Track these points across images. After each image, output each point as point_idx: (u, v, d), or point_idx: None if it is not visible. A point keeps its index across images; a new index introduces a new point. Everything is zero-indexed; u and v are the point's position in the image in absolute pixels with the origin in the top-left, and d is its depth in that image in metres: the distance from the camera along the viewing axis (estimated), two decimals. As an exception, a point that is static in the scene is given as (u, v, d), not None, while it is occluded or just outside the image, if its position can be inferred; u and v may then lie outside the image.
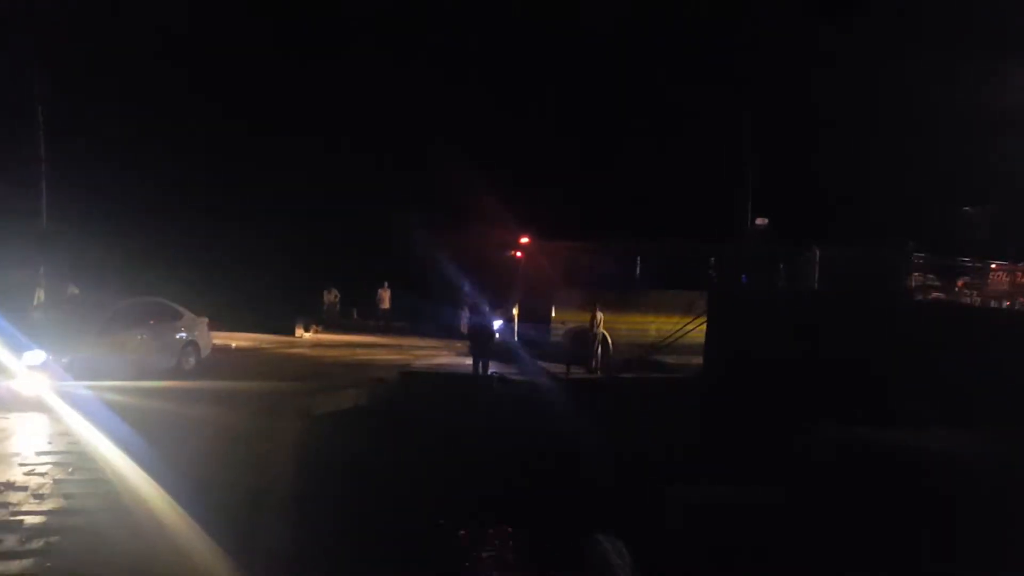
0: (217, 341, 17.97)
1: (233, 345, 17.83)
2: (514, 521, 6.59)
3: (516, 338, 17.78)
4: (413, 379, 14.35)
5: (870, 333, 11.06)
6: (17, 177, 19.69)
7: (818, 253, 13.98)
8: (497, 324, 18.68)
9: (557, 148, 27.32)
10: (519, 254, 18.26)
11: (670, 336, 16.66)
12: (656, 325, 16.89)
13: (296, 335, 20.45)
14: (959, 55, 17.98)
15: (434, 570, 5.82)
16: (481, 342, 15.06)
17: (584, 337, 17.01)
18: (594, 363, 15.97)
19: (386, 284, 23.97)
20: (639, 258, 17.88)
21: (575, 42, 28.45)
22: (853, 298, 12.40)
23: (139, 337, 12.44)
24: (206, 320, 14.24)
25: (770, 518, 6.57)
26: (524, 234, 18.28)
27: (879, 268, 13.56)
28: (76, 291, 20.52)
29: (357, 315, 25.29)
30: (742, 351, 12.59)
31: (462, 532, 6.39)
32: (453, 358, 17.19)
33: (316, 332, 21.22)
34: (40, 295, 19.33)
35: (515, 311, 17.93)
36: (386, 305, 24.01)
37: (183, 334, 13.52)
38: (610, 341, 16.56)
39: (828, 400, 9.75)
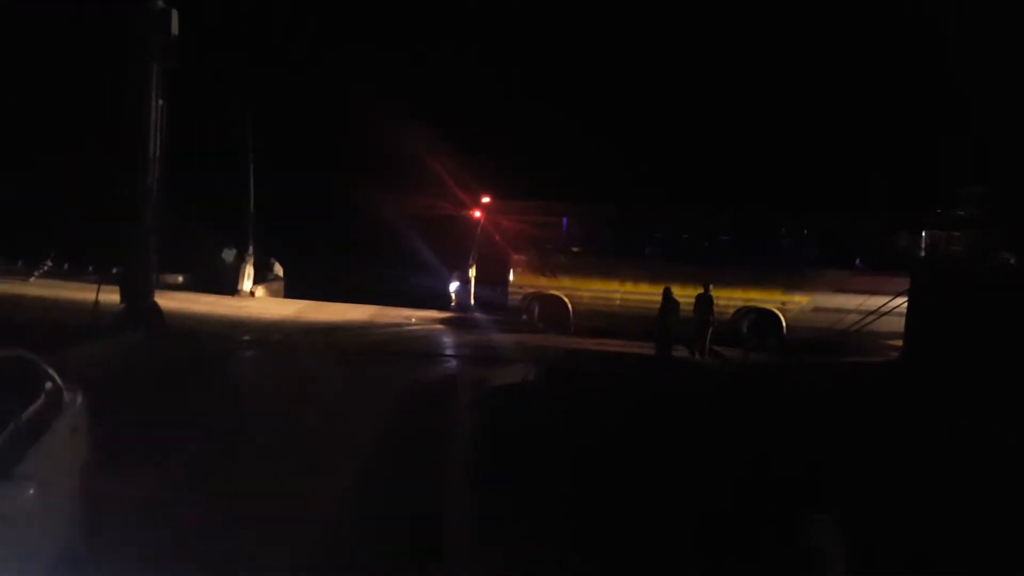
0: (392, 318, 18.91)
1: (413, 320, 18.71)
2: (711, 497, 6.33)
3: (473, 301, 17.28)
4: (581, 357, 14.31)
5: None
6: (229, 167, 21.93)
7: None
8: (454, 286, 17.97)
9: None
10: (478, 214, 17.47)
11: (862, 322, 15.45)
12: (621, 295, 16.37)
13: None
14: None
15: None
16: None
17: (551, 304, 16.63)
18: (697, 352, 14.60)
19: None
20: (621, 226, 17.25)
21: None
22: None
23: None
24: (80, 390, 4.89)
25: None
26: (484, 194, 17.58)
27: None
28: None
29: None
30: (959, 340, 11.27)
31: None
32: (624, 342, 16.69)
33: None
34: (249, 272, 21.47)
35: (472, 273, 17.29)
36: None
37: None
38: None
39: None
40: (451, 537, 5.28)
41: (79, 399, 4.81)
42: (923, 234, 15.80)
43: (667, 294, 14.39)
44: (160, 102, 12.90)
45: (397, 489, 6.13)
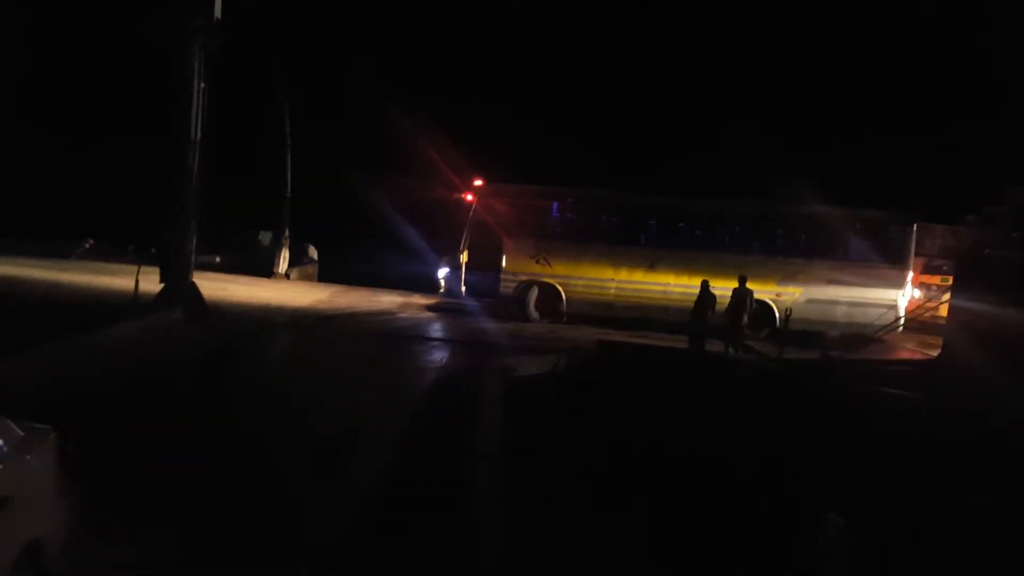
0: (414, 305, 18.87)
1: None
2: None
3: (464, 287, 16.80)
4: (611, 348, 14.15)
5: None
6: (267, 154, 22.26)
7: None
8: (443, 272, 17.40)
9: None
10: (470, 198, 16.92)
11: (896, 322, 15.23)
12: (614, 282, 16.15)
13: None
14: None
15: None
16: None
17: (544, 292, 16.32)
18: (733, 347, 14.03)
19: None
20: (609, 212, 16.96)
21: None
22: None
23: None
24: (52, 435, 3.71)
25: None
26: (476, 176, 17.06)
27: None
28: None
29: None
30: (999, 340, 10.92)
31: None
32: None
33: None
34: (285, 255, 21.78)
35: (463, 258, 16.77)
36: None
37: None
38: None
39: None
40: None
41: (42, 453, 3.06)
42: (914, 227, 15.89)
43: (704, 287, 13.92)
44: (202, 85, 13.11)
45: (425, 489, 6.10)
